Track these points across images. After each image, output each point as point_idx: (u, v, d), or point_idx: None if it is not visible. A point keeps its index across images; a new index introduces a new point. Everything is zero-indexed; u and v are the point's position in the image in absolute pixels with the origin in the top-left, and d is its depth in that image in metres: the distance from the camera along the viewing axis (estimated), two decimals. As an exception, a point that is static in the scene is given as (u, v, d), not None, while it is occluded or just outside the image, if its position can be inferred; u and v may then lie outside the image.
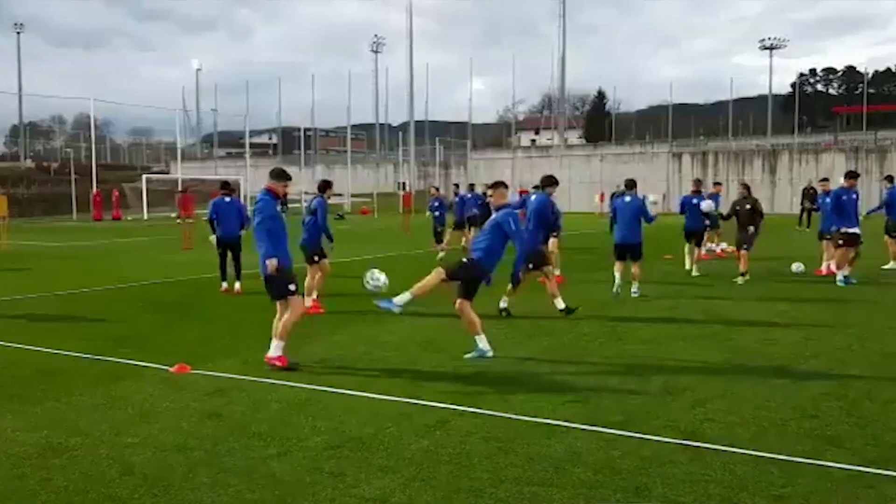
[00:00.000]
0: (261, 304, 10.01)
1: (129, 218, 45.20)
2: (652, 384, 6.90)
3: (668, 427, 5.62)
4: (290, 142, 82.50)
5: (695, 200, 15.41)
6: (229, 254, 13.31)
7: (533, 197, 11.71)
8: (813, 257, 16.13)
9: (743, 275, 13.85)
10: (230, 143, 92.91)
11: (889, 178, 16.84)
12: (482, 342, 8.00)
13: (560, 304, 10.59)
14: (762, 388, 6.79)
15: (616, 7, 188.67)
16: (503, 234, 8.16)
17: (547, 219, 11.40)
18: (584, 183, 54.56)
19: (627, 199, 12.50)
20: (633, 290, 12.18)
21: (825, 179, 17.34)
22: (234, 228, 13.37)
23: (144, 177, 51.11)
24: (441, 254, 19.16)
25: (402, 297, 7.74)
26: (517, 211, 8.86)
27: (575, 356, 8.16)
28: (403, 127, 67.98)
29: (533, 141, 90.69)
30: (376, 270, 8.27)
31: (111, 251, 23.14)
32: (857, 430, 5.60)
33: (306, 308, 10.71)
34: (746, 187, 14.75)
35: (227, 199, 13.55)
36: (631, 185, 12.87)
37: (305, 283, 11.22)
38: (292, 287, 7.85)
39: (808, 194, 27.09)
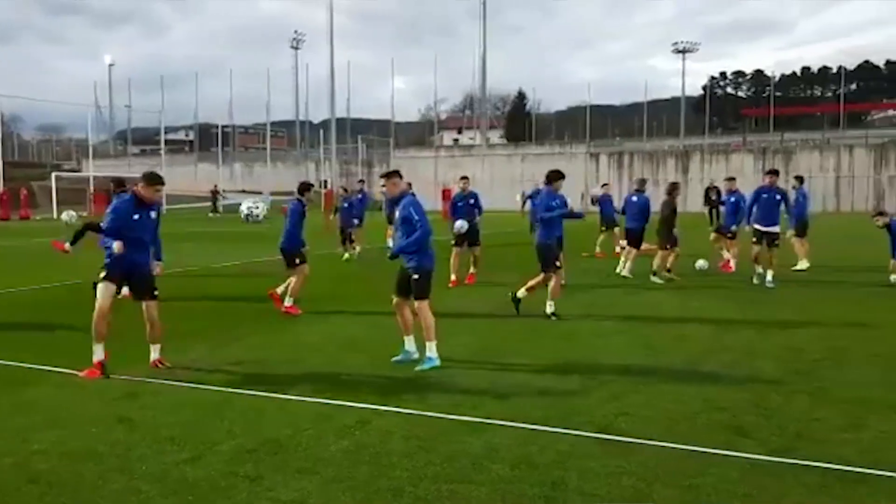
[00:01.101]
0: (167, 307, 9.76)
1: (39, 217, 43.40)
2: (570, 380, 7.02)
3: (585, 422, 5.73)
4: (208, 139, 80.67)
5: (634, 198, 15.25)
6: None
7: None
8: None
9: (669, 270, 14.23)
10: (145, 140, 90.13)
11: (799, 179, 17.39)
12: (433, 350, 7.67)
13: (550, 307, 10.32)
14: (674, 382, 6.99)
15: (536, 9, 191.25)
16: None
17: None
18: (506, 182, 55.13)
19: (635, 198, 14.44)
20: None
21: (731, 178, 17.55)
22: None
23: (54, 175, 49.16)
24: (346, 255, 18.79)
25: (429, 348, 7.66)
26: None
27: (496, 353, 8.22)
28: (325, 124, 67.27)
29: (456, 140, 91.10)
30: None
31: (18, 252, 22.15)
32: (764, 420, 5.82)
33: (285, 308, 10.74)
34: (675, 187, 15.04)
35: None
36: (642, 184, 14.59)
37: (288, 286, 10.93)
38: (103, 275, 7.44)
39: (708, 195, 27.57)
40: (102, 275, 7.46)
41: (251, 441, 5.34)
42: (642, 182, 16.11)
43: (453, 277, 13.50)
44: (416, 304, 7.75)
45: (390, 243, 8.72)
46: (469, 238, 13.95)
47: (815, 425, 5.69)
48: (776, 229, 13.59)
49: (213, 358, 7.93)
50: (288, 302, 10.73)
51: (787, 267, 15.11)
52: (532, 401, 6.31)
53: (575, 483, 4.55)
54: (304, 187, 11.51)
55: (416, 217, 7.70)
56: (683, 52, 72.14)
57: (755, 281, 13.66)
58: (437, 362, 7.60)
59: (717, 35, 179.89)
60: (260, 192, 59.73)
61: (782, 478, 4.66)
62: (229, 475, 4.71)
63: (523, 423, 5.68)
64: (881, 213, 13.78)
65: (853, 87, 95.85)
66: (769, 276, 13.40)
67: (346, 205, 19.62)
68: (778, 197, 13.62)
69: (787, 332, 9.31)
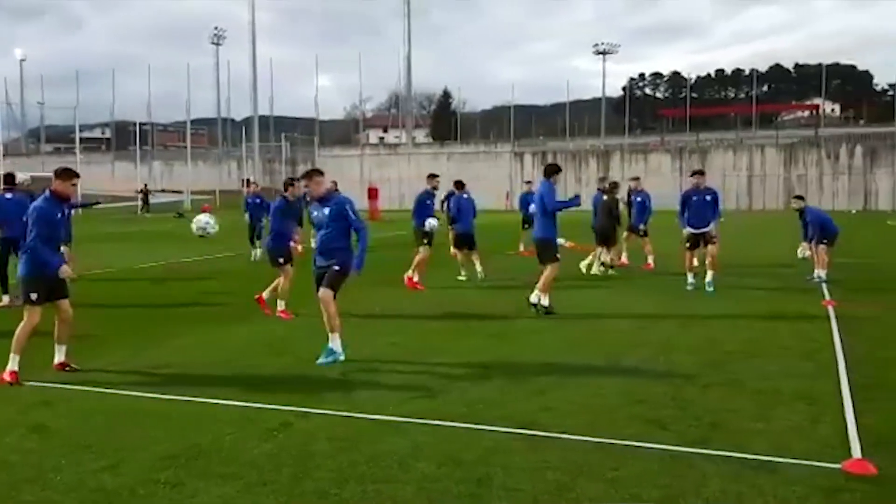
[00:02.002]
0: (87, 311, 9.44)
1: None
2: (494, 377, 7.09)
3: (509, 417, 5.80)
4: (125, 137, 78.14)
5: (605, 198, 15.11)
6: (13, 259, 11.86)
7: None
8: (635, 253, 16.99)
9: (612, 267, 14.55)
10: (59, 138, 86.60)
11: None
12: (335, 342, 7.67)
13: (545, 301, 10.45)
14: (596, 377, 7.14)
15: (460, 9, 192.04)
16: (347, 223, 7.78)
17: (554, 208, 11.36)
18: (431, 181, 55.19)
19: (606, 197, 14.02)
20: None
21: (636, 178, 17.77)
22: (19, 229, 11.30)
23: (-41, 173, 46.75)
24: (254, 257, 18.26)
25: (334, 342, 7.62)
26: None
27: (422, 352, 8.24)
28: (247, 122, 66.12)
29: (381, 138, 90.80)
30: (203, 215, 8.05)
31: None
32: (681, 412, 6.00)
33: (278, 312, 10.31)
34: (614, 185, 15.34)
35: (9, 195, 11.46)
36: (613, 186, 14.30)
37: (276, 288, 10.59)
38: (33, 297, 7.09)
39: (629, 193, 28.13)
40: (33, 297, 7.05)
41: (172, 447, 5.21)
42: (603, 180, 16.21)
43: (416, 278, 13.19)
44: (322, 291, 7.69)
45: (313, 244, 8.57)
46: (430, 239, 13.62)
47: (729, 416, 5.89)
48: (709, 230, 12.87)
49: (132, 362, 7.71)
50: (280, 306, 10.38)
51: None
52: (457, 398, 6.35)
53: (500, 479, 4.61)
54: (289, 182, 11.19)
55: (354, 217, 7.73)
56: (604, 53, 73.63)
57: (689, 289, 12.77)
58: (342, 356, 7.60)
59: (636, 37, 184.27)
60: (181, 192, 58.37)
61: (699, 468, 4.81)
62: (149, 482, 4.59)
63: (448, 421, 5.71)
64: (799, 198, 14.45)
65: (765, 88, 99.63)
66: (709, 278, 12.58)
67: (257, 201, 19.01)
68: (708, 197, 12.93)
69: (703, 326, 9.62)
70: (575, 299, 11.94)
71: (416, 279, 13.17)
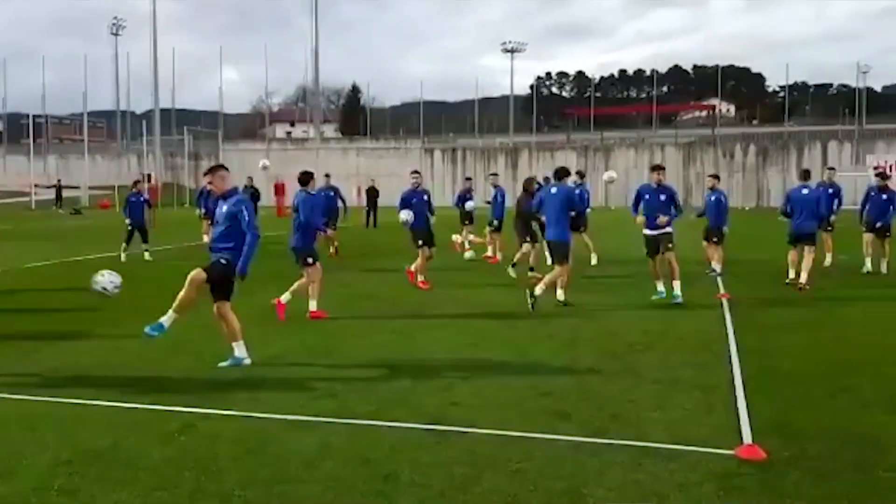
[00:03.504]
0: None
1: None
2: (402, 374, 7.10)
3: (417, 414, 5.81)
4: (18, 130, 74.29)
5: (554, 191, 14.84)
6: None
7: (554, 189, 10.97)
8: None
9: (532, 269, 14.25)
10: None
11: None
12: (240, 349, 7.43)
13: (561, 295, 10.86)
14: (503, 371, 7.26)
15: (369, 4, 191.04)
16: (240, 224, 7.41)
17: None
18: (341, 176, 54.76)
19: (553, 190, 11.12)
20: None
21: (715, 176, 17.75)
22: None
23: None
24: (146, 254, 17.59)
25: (168, 317, 7.24)
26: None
27: (327, 351, 8.17)
28: (148, 115, 63.87)
29: (289, 133, 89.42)
30: (107, 272, 7.74)
31: None
32: (584, 403, 6.16)
33: (312, 313, 9.95)
34: (531, 181, 15.35)
35: None
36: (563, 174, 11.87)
37: (299, 287, 10.15)
38: None
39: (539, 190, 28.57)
40: None
41: (66, 453, 5.00)
42: (578, 173, 15.95)
43: (420, 277, 12.77)
44: (216, 305, 7.39)
45: (206, 239, 8.32)
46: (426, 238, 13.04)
47: (629, 406, 6.08)
48: (669, 230, 11.39)
49: (23, 365, 7.35)
50: (312, 306, 10.03)
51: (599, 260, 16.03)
52: (364, 396, 6.33)
53: (407, 476, 4.62)
54: (306, 177, 10.68)
55: (247, 220, 7.36)
56: (512, 51, 74.51)
57: (656, 297, 11.39)
58: (247, 361, 7.39)
59: (543, 36, 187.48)
60: (77, 187, 56.00)
61: (601, 457, 4.95)
62: (42, 490, 4.39)
63: (356, 419, 5.68)
64: (715, 177, 14.86)
65: (665, 89, 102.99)
66: (677, 290, 11.11)
67: (143, 199, 18.22)
68: (663, 197, 11.45)
69: (606, 319, 9.89)
70: (484, 296, 12.08)
71: (420, 278, 12.78)
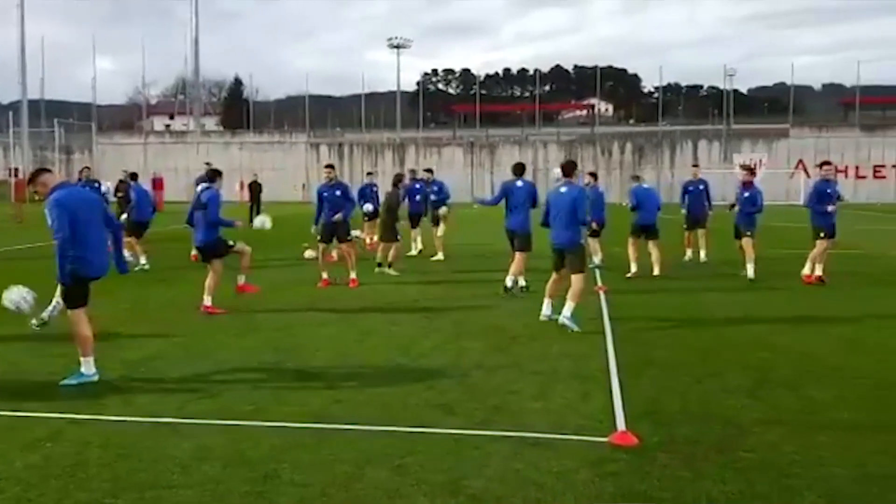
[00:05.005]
0: None
1: None
2: (284, 372, 7.00)
3: (299, 412, 5.74)
4: None
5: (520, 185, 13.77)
6: None
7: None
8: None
9: (391, 265, 14.22)
10: None
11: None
12: (87, 366, 6.67)
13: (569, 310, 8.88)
14: (387, 366, 7.27)
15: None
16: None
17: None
18: (224, 171, 53.24)
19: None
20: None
21: (413, 170, 18.32)
22: None
23: None
24: None
25: (87, 366, 6.67)
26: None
27: (206, 350, 7.93)
28: (15, 106, 60.02)
29: (168, 126, 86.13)
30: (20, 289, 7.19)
31: None
32: (467, 396, 6.24)
33: (206, 307, 9.84)
34: (400, 178, 15.34)
35: None
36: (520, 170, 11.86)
37: (214, 283, 10.04)
38: None
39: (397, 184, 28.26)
40: None
41: (-85, 467, 4.65)
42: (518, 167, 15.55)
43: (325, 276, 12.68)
44: (70, 313, 6.75)
45: None
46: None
47: (511, 397, 6.21)
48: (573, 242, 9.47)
49: None
50: (207, 301, 9.94)
51: (488, 254, 16.28)
52: (244, 396, 6.19)
53: (288, 475, 4.55)
54: (215, 174, 11.28)
55: (50, 221, 6.57)
56: (398, 47, 74.48)
57: (545, 318, 9.42)
58: (94, 378, 6.65)
59: (429, 33, 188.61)
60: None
61: (483, 448, 5.03)
62: None
63: (235, 419, 5.55)
64: (593, 175, 15.35)
65: (547, 88, 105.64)
66: (567, 311, 8.89)
67: None
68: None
69: (489, 313, 10.05)
70: (369, 293, 12.03)
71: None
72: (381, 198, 17.98)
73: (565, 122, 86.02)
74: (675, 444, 5.12)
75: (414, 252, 16.87)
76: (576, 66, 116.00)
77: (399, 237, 14.25)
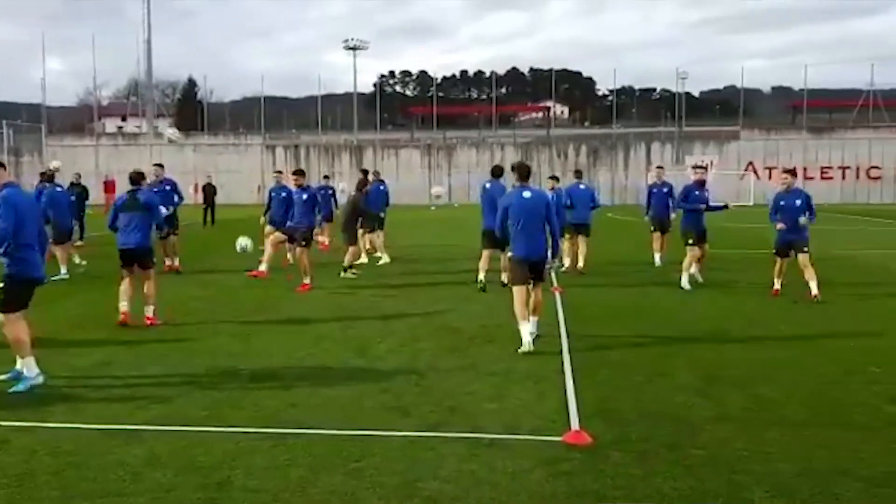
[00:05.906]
0: None
1: None
2: (238, 377, 6.94)
3: (253, 417, 5.69)
4: None
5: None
6: None
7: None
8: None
9: (351, 267, 14.09)
10: None
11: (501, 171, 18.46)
12: (29, 368, 6.51)
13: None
14: (343, 369, 7.25)
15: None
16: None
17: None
18: (177, 173, 52.45)
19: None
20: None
21: (375, 172, 18.26)
22: None
23: None
24: None
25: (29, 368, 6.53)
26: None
27: (158, 356, 7.80)
28: (-43, 107, 58.50)
29: (120, 128, 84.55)
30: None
31: None
32: (423, 398, 6.25)
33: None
34: (365, 182, 15.23)
35: None
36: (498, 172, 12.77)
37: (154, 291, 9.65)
38: None
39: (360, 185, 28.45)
40: None
41: None
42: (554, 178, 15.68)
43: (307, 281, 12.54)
44: (5, 317, 6.53)
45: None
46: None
47: (467, 399, 6.23)
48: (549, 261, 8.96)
49: None
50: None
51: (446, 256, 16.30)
52: (197, 402, 6.12)
53: (241, 481, 4.51)
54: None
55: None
56: (354, 49, 74.14)
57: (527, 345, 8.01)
58: (39, 379, 6.54)
59: (386, 35, 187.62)
60: None
61: (437, 450, 5.04)
62: None
63: (187, 425, 5.48)
64: (554, 178, 15.34)
65: (503, 90, 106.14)
66: (531, 327, 8.25)
67: None
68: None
69: (445, 315, 10.07)
70: (322, 297, 11.96)
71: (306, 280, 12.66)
72: (339, 200, 18.06)
73: (522, 124, 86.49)
74: (628, 442, 5.19)
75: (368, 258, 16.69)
76: (532, 69, 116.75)
77: (358, 240, 14.26)
